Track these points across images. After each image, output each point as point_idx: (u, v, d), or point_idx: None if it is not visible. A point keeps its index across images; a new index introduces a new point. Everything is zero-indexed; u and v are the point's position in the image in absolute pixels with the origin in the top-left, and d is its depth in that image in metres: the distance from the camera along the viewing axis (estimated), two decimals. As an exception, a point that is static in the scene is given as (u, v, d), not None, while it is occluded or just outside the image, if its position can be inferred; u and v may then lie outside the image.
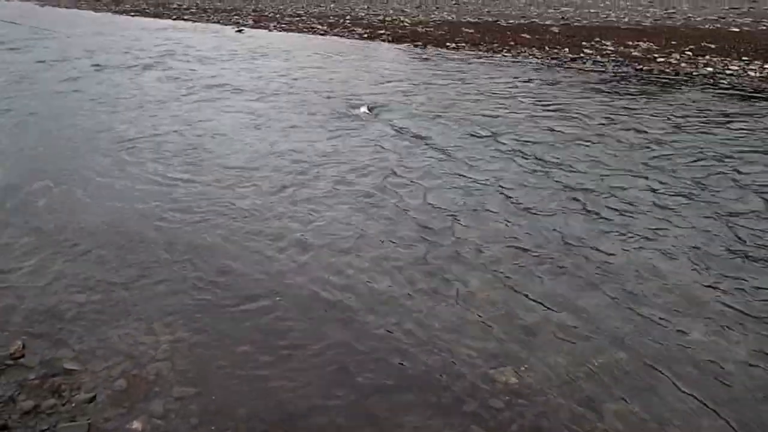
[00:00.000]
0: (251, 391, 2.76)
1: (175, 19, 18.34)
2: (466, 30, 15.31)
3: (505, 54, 12.30)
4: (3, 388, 2.73)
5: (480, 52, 12.48)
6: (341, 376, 2.87)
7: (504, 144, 6.24)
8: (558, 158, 5.77)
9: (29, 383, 2.77)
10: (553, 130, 6.71)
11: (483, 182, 5.21)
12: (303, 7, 21.01)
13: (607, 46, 12.72)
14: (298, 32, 15.75)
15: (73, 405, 2.64)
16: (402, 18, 17.95)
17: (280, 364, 2.94)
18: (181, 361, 2.95)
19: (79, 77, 9.76)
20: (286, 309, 3.40)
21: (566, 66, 11.04)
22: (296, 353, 3.02)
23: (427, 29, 15.61)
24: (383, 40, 14.13)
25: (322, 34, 15.29)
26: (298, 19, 18.07)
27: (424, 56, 12.04)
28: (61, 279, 3.68)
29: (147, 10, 20.50)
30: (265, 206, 4.74)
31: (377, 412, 2.64)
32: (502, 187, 5.10)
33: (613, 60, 11.26)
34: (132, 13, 19.80)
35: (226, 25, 17.18)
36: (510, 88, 9.02)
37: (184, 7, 21.44)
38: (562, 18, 18.23)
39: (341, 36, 14.98)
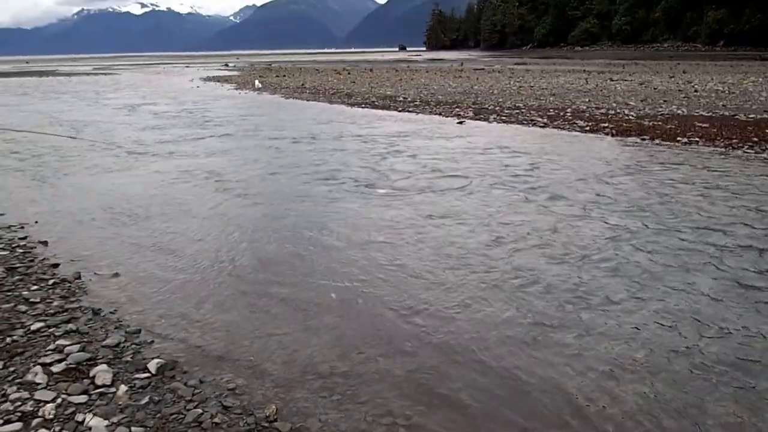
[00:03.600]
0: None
1: (400, 111, 19.73)
2: (699, 124, 14.38)
3: (747, 150, 11.29)
4: (261, 449, 2.97)
5: (717, 148, 11.61)
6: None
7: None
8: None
9: (282, 447, 2.99)
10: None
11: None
12: (522, 101, 21.39)
13: None
14: (518, 124, 15.99)
15: (319, 475, 2.77)
16: (627, 111, 17.42)
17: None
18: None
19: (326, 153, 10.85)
20: (530, 401, 3.31)
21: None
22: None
23: (655, 123, 14.94)
24: (606, 134, 13.78)
25: (541, 127, 15.36)
26: (517, 111, 18.40)
27: (653, 150, 11.48)
28: (308, 348, 3.98)
29: (376, 103, 22.35)
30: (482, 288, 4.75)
31: None
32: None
33: None
34: (363, 106, 21.73)
35: (447, 116, 18.04)
36: (761, 189, 8.22)
37: (409, 99, 23.00)
38: (816, 112, 16.37)
39: (561, 128, 14.90)
